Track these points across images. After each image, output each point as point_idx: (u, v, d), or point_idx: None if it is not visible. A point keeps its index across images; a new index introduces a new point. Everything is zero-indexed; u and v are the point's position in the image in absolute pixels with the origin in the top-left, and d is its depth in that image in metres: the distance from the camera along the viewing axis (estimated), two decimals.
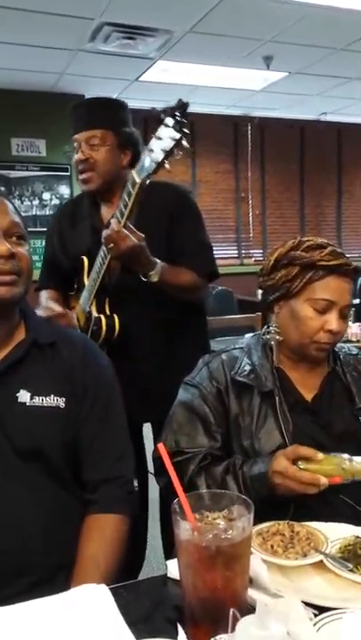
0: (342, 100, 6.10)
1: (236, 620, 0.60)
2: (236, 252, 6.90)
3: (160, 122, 1.52)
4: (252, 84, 5.43)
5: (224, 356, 1.39)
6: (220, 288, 5.44)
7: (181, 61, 4.77)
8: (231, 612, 0.62)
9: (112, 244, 1.69)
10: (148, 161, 1.58)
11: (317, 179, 7.24)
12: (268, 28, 4.14)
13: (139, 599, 0.92)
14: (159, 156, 1.54)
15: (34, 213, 5.61)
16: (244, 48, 4.52)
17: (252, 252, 6.99)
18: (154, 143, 1.55)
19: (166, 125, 1.52)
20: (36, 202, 5.65)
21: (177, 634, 0.77)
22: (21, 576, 1.06)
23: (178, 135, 1.51)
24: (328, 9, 3.84)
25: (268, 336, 1.37)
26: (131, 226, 1.71)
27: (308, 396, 1.35)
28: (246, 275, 6.59)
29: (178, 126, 1.51)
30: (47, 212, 5.69)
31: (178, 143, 1.52)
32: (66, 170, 5.67)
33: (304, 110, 6.50)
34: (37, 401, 1.14)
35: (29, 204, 5.62)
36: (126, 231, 1.69)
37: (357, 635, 0.77)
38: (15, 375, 1.14)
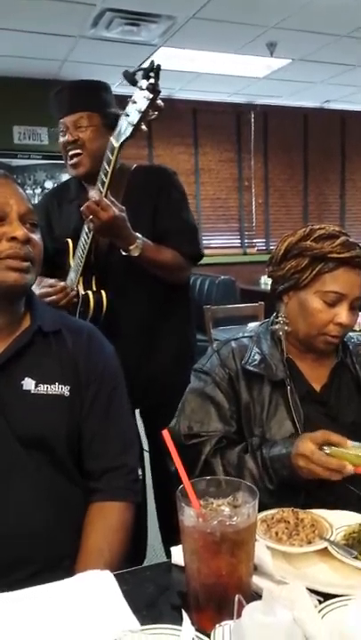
0: (346, 88, 6.05)
1: (241, 606, 0.60)
2: (239, 241, 6.87)
3: (134, 84, 1.54)
4: (255, 72, 5.39)
5: (234, 344, 1.37)
6: (222, 277, 5.42)
7: (184, 48, 4.73)
8: (237, 599, 0.62)
9: (92, 216, 1.68)
10: (125, 124, 1.59)
11: (321, 167, 7.20)
12: (272, 14, 4.10)
13: (143, 585, 0.92)
14: (135, 117, 1.56)
15: (36, 202, 5.58)
16: (247, 34, 4.48)
17: (254, 241, 6.97)
18: (129, 107, 1.57)
19: (140, 87, 1.53)
20: (38, 190, 5.64)
21: (181, 620, 0.77)
22: (25, 565, 1.06)
23: (151, 95, 1.52)
24: None
25: (276, 326, 1.35)
26: (111, 197, 1.70)
27: (317, 387, 1.34)
28: (249, 264, 6.58)
29: (151, 86, 1.52)
30: None
31: (152, 103, 1.53)
32: None
33: (308, 98, 6.46)
34: (42, 389, 1.13)
35: (32, 192, 5.60)
36: (107, 201, 1.68)
37: None
38: (20, 363, 1.14)
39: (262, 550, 0.91)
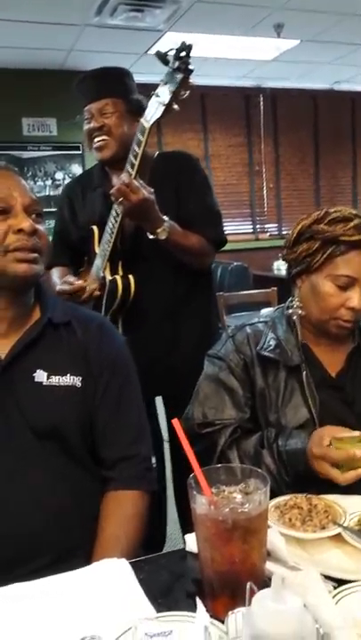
0: (356, 68, 5.96)
1: (253, 593, 0.60)
2: (251, 227, 6.83)
3: (166, 64, 1.56)
4: (263, 54, 5.32)
5: (249, 330, 1.37)
6: (235, 264, 5.40)
7: (190, 32, 4.67)
8: (248, 586, 0.62)
9: (122, 198, 1.69)
10: (155, 105, 1.61)
11: (332, 149, 7.11)
12: None
13: (159, 573, 0.93)
14: (166, 97, 1.58)
15: (47, 194, 5.59)
16: (254, 16, 4.42)
17: (266, 226, 6.92)
18: (160, 87, 1.59)
19: (172, 67, 1.55)
20: (48, 182, 5.64)
21: (196, 607, 0.77)
22: (41, 554, 1.07)
23: (182, 75, 1.54)
24: None
25: (290, 310, 1.35)
26: (140, 180, 1.71)
27: (333, 372, 1.33)
28: (261, 250, 6.53)
29: (183, 65, 1.54)
30: (60, 192, 5.67)
31: (183, 82, 1.55)
32: (77, 148, 5.64)
33: (317, 79, 6.37)
34: (54, 380, 1.14)
35: (42, 184, 5.60)
36: (137, 183, 1.69)
37: None
38: (32, 355, 1.15)
39: (276, 536, 0.91)
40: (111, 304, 1.89)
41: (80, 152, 5.66)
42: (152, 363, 1.89)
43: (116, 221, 1.81)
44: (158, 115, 1.62)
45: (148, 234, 1.77)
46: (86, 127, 1.93)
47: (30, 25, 4.32)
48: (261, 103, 6.69)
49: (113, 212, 1.81)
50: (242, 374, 1.32)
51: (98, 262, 1.94)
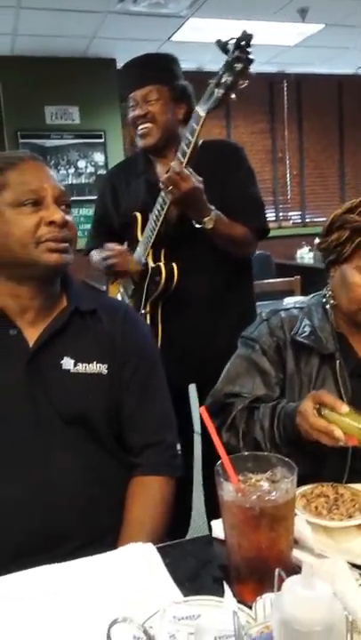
0: None
1: (281, 580, 0.61)
2: (274, 214, 6.76)
3: (226, 53, 1.56)
4: (286, 39, 5.25)
5: (283, 314, 1.36)
6: (258, 252, 5.35)
7: (213, 17, 4.63)
8: (277, 572, 0.63)
9: (172, 187, 1.70)
10: (214, 92, 1.61)
11: (357, 136, 7.01)
12: None
13: (185, 558, 0.94)
14: (224, 87, 1.58)
15: (70, 182, 5.61)
16: (278, 0, 4.35)
17: (290, 214, 6.86)
18: (218, 75, 1.59)
19: (231, 57, 1.56)
20: (71, 170, 5.65)
21: (223, 592, 0.78)
22: (68, 539, 1.09)
23: (242, 65, 1.55)
24: None
25: (324, 300, 1.35)
26: (190, 169, 1.72)
27: None
28: (284, 238, 6.47)
29: (244, 55, 1.54)
30: (83, 181, 5.69)
31: (242, 72, 1.56)
32: (100, 137, 5.64)
33: (341, 65, 6.28)
34: (81, 368, 1.16)
35: (65, 172, 5.62)
36: (187, 171, 1.70)
37: None
38: (59, 343, 1.16)
39: (302, 525, 0.92)
40: (153, 291, 1.90)
41: (102, 140, 5.66)
42: (188, 351, 1.92)
43: (162, 209, 1.81)
44: (215, 104, 1.62)
45: (194, 222, 1.78)
46: (131, 115, 1.94)
47: (52, 12, 4.32)
48: (285, 89, 6.61)
49: (160, 200, 1.81)
50: (274, 356, 1.32)
51: (140, 249, 1.95)
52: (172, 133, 1.92)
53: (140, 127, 1.92)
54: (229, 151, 2.01)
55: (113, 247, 1.96)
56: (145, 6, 4.28)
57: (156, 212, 1.84)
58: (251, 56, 1.55)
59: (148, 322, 1.94)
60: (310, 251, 5.85)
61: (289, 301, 1.43)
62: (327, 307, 1.33)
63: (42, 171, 1.15)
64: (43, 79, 5.34)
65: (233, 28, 5.18)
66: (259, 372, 1.31)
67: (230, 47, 1.56)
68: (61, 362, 1.15)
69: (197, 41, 4.98)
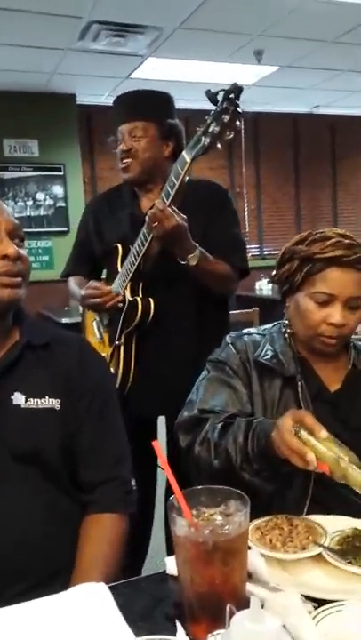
0: (335, 93, 6.09)
1: (232, 615, 0.60)
2: None
3: (215, 103, 1.61)
4: (243, 79, 5.41)
5: (246, 338, 1.39)
6: None
7: (172, 58, 4.76)
8: (228, 608, 0.62)
9: (157, 223, 1.71)
10: (200, 140, 1.66)
11: (312, 172, 7.23)
12: (258, 21, 4.13)
13: (138, 596, 0.92)
14: (210, 137, 1.63)
15: (28, 214, 5.59)
16: (234, 43, 4.51)
17: (248, 247, 6.96)
18: (208, 124, 1.64)
19: (220, 107, 1.60)
20: (30, 202, 5.64)
21: (176, 631, 0.77)
22: (20, 580, 1.05)
23: (229, 117, 1.60)
24: (317, 1, 3.83)
25: (283, 329, 1.38)
26: (174, 207, 1.74)
27: (332, 388, 1.34)
28: None
29: (232, 107, 1.59)
30: (41, 213, 5.68)
31: (229, 124, 1.61)
32: (59, 169, 5.66)
33: (297, 104, 6.50)
34: (32, 403, 1.13)
35: (23, 204, 5.60)
36: (170, 210, 1.72)
37: (357, 626, 0.77)
38: (9, 377, 1.14)
39: (257, 557, 0.91)
40: (128, 324, 1.91)
41: (62, 173, 5.68)
42: (161, 383, 1.92)
43: (143, 244, 1.83)
44: (201, 151, 1.66)
45: (178, 259, 1.79)
46: (117, 148, 1.96)
47: (14, 48, 4.36)
48: (243, 126, 6.77)
49: (141, 235, 1.83)
50: (244, 376, 1.33)
51: (119, 281, 1.96)
52: (156, 170, 1.95)
53: (122, 161, 1.94)
54: (215, 192, 2.05)
55: (99, 286, 1.95)
56: (105, 44, 4.36)
57: (137, 247, 1.86)
58: (239, 109, 1.60)
59: (122, 353, 1.95)
60: (268, 283, 5.95)
61: (251, 330, 1.45)
62: (286, 335, 1.36)
63: None
64: (2, 112, 5.36)
65: (191, 68, 5.34)
66: (232, 390, 1.32)
67: (219, 98, 1.60)
68: (12, 397, 1.13)
69: (156, 79, 5.09)
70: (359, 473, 0.96)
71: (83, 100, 5.67)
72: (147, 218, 1.76)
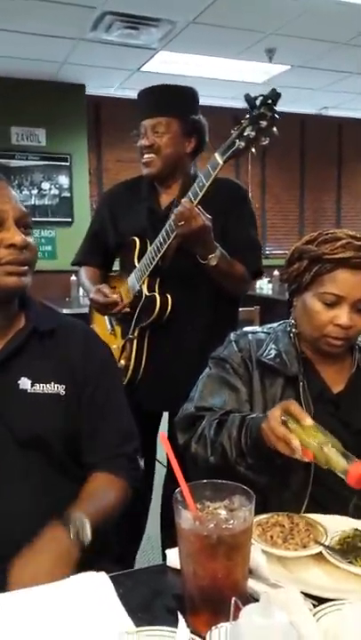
0: (344, 95, 6.09)
1: (238, 608, 0.60)
2: None
3: (253, 108, 1.61)
4: (254, 77, 5.41)
5: (250, 337, 1.39)
6: None
7: (183, 52, 4.75)
8: (233, 601, 0.63)
9: (183, 222, 1.70)
10: (235, 143, 1.65)
11: (317, 173, 7.23)
12: (272, 20, 4.12)
13: (138, 588, 0.92)
14: (245, 140, 1.63)
15: (33, 203, 5.58)
16: (246, 40, 4.50)
17: None
18: (243, 127, 1.64)
19: (257, 112, 1.61)
20: (35, 191, 5.63)
21: (176, 622, 0.77)
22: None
23: (267, 123, 1.60)
24: (331, 2, 3.83)
25: (288, 328, 1.39)
26: (200, 207, 1.74)
27: (335, 389, 1.34)
28: None
29: (269, 113, 1.60)
30: (46, 202, 5.67)
31: (266, 129, 1.62)
32: (65, 160, 5.65)
33: (306, 104, 6.49)
34: (38, 388, 1.14)
35: (28, 193, 5.59)
36: (197, 210, 1.71)
37: (356, 626, 0.77)
38: (16, 363, 1.14)
39: (257, 554, 0.91)
40: (143, 319, 1.91)
41: (67, 164, 5.67)
42: (170, 379, 1.92)
43: (165, 241, 1.83)
44: (234, 154, 1.66)
45: (198, 258, 1.79)
46: (139, 142, 1.95)
47: (26, 36, 4.35)
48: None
49: (163, 232, 1.82)
50: (244, 374, 1.34)
51: (136, 275, 1.96)
52: (178, 166, 1.94)
53: (144, 156, 1.94)
54: (235, 191, 2.04)
55: (107, 294, 1.95)
56: (117, 36, 4.35)
57: (158, 244, 1.85)
58: (275, 115, 1.60)
59: (135, 347, 1.96)
60: (269, 282, 5.95)
61: (256, 328, 1.45)
62: (291, 334, 1.36)
63: (4, 191, 1.13)
64: (10, 100, 5.35)
65: (202, 64, 5.34)
66: (230, 389, 1.33)
67: (258, 102, 1.61)
68: (18, 382, 1.13)
69: (167, 73, 5.08)
70: (341, 458, 0.99)
71: (92, 91, 5.66)
72: (172, 216, 1.75)
